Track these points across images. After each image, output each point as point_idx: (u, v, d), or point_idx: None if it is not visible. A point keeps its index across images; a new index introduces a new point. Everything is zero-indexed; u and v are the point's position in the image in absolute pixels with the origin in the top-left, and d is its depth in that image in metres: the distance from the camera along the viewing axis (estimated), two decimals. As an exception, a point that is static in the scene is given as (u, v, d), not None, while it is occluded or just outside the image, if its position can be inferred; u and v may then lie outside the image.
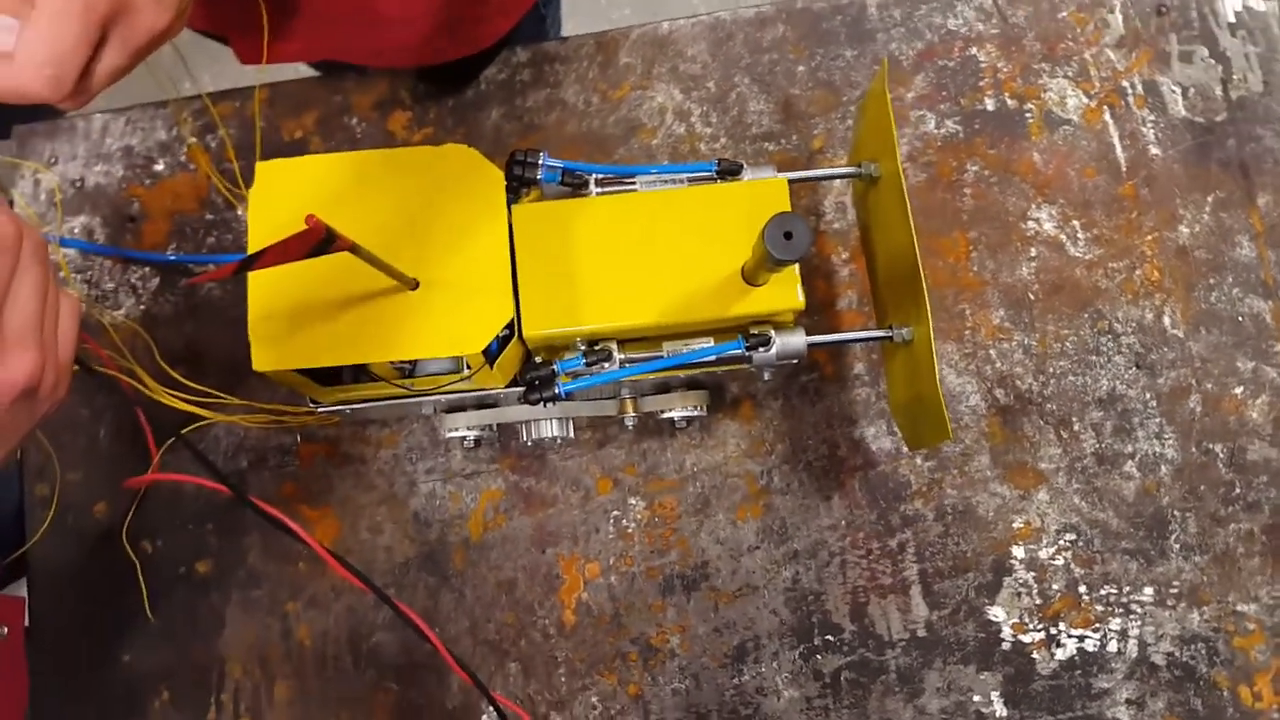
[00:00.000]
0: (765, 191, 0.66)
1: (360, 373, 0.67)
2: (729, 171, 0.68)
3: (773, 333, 0.66)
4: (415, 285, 0.61)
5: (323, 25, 0.75)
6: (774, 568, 0.77)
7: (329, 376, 0.67)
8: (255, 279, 0.61)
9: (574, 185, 0.68)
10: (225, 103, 0.85)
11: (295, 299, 0.60)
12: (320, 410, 0.70)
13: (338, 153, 0.63)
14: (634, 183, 0.69)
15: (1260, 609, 0.76)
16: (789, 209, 0.64)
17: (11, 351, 0.46)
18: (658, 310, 0.64)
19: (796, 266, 0.63)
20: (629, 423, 0.74)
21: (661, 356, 0.66)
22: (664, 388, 0.75)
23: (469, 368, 0.65)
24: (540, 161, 0.67)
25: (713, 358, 0.67)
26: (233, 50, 0.77)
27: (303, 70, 0.88)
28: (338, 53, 0.80)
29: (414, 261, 0.60)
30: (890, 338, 0.68)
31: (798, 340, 0.66)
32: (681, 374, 0.72)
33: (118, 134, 0.85)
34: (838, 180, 0.81)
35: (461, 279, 0.61)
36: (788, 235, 0.54)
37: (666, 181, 0.69)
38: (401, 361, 0.66)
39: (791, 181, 0.68)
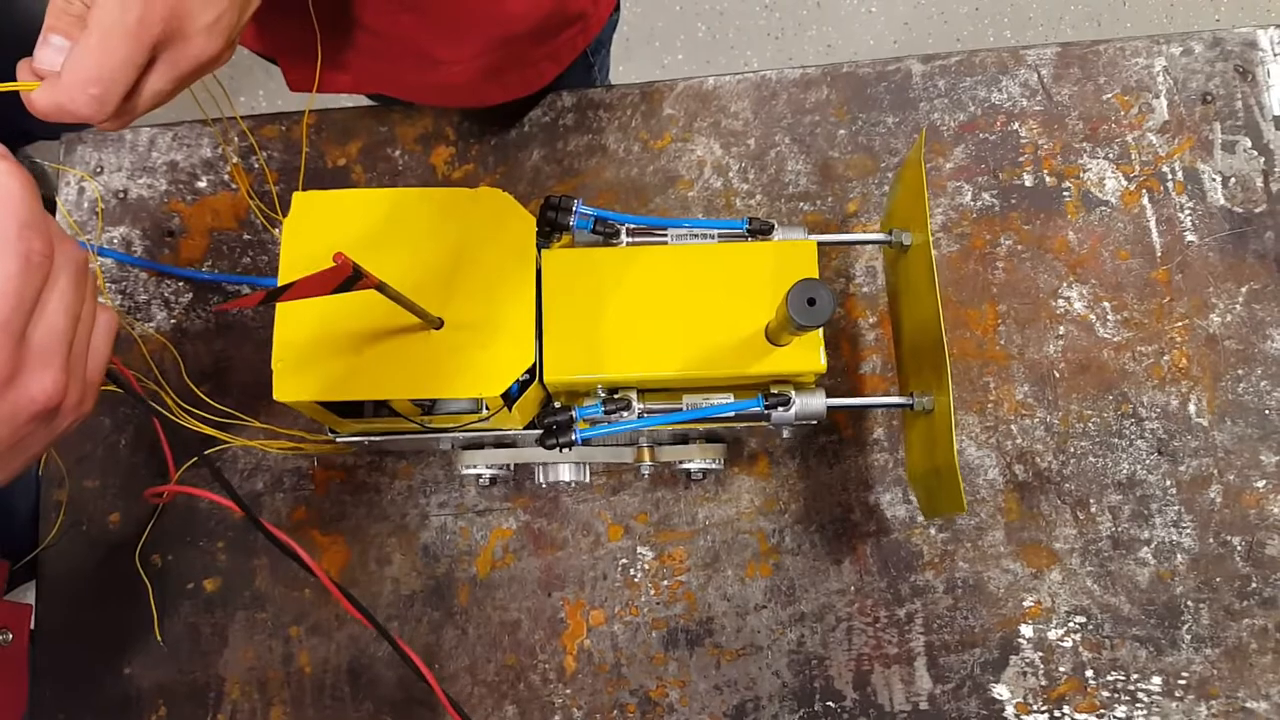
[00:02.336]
0: (794, 253, 0.66)
1: (380, 406, 0.67)
2: (760, 231, 0.68)
3: (793, 393, 0.66)
4: (440, 325, 0.61)
5: (373, 60, 0.76)
6: (779, 628, 0.77)
7: (349, 408, 0.67)
8: (283, 309, 0.61)
9: (605, 234, 0.68)
10: (272, 125, 0.86)
11: (320, 331, 0.61)
12: (339, 440, 0.70)
13: (373, 189, 0.64)
14: (665, 235, 0.69)
15: (1270, 708, 0.75)
16: (816, 272, 0.65)
17: (33, 369, 0.45)
18: (680, 363, 0.64)
19: (820, 330, 0.63)
20: (645, 471, 0.74)
21: (680, 409, 0.66)
22: (682, 439, 0.75)
23: (488, 408, 0.65)
24: (574, 208, 0.68)
25: (731, 414, 0.67)
26: (283, 75, 0.78)
27: (351, 99, 0.89)
28: (386, 88, 0.81)
29: (440, 301, 0.61)
30: (911, 406, 0.68)
31: (817, 402, 0.66)
32: (700, 426, 0.72)
33: (164, 148, 0.86)
34: (868, 246, 0.81)
35: (486, 321, 0.62)
36: (811, 301, 0.54)
37: (697, 236, 0.69)
38: (421, 399, 0.67)
39: (822, 244, 0.68)
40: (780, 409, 0.66)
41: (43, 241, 0.44)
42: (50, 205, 0.85)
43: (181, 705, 0.76)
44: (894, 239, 0.70)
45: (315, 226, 0.63)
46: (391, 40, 0.74)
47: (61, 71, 0.47)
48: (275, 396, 0.60)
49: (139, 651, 0.77)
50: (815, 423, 0.67)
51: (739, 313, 0.65)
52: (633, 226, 0.69)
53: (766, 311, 0.64)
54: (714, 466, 0.74)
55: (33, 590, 0.79)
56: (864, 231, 0.83)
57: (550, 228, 0.67)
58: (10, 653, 0.67)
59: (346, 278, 0.48)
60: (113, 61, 0.47)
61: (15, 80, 0.50)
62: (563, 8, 0.78)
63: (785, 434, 0.71)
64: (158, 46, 0.48)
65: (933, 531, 0.78)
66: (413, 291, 0.56)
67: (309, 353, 0.61)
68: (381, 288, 0.52)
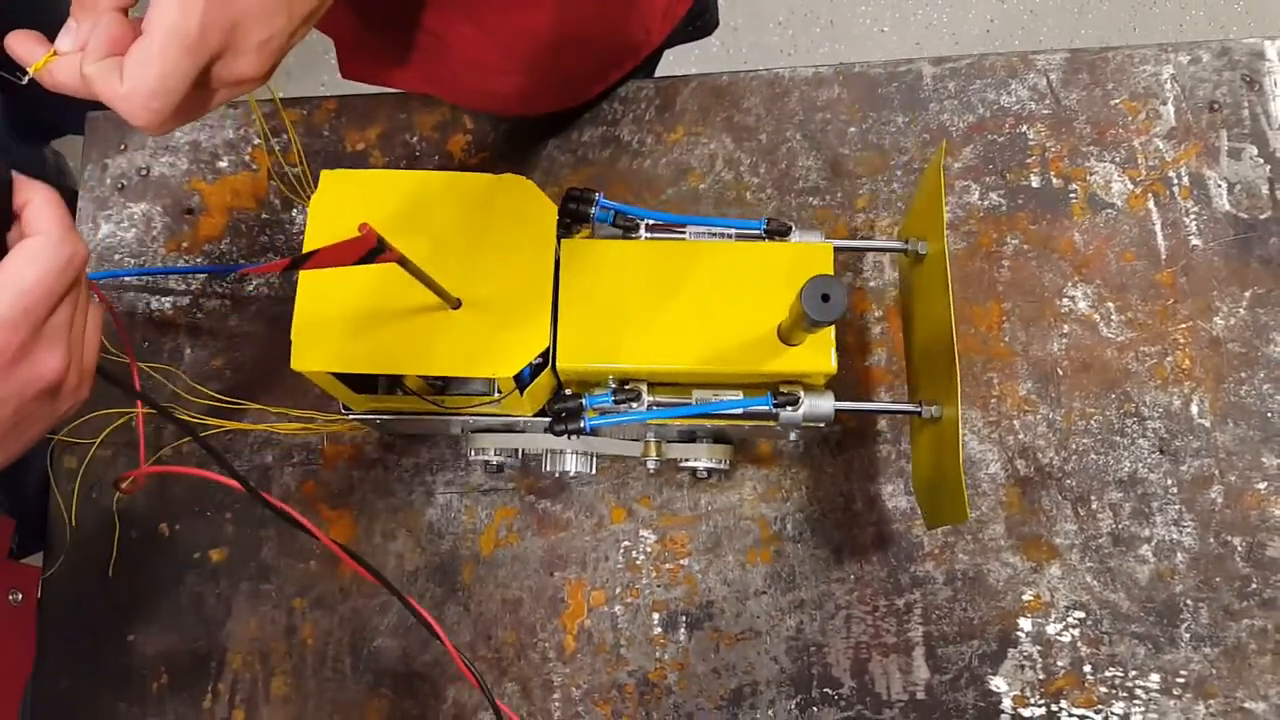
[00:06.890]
0: (810, 255, 0.67)
1: (394, 384, 0.68)
2: (777, 231, 0.69)
3: (802, 393, 0.66)
4: (458, 305, 0.62)
5: (428, 61, 0.77)
6: (779, 615, 0.77)
7: (363, 384, 0.68)
8: (306, 281, 0.62)
9: (625, 227, 0.69)
10: (294, 109, 0.88)
11: (341, 305, 0.62)
12: (351, 417, 0.71)
13: (400, 170, 0.64)
14: (684, 231, 0.70)
15: (1269, 709, 0.75)
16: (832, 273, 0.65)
17: (43, 349, 0.48)
18: (691, 357, 0.64)
19: (831, 331, 0.63)
20: (650, 465, 0.75)
21: (690, 404, 0.67)
22: (690, 436, 0.75)
23: (499, 392, 0.66)
24: (596, 200, 0.69)
25: (739, 411, 0.67)
26: (338, 63, 0.78)
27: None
28: (437, 89, 0.82)
29: (459, 282, 0.61)
30: (920, 413, 0.68)
31: (826, 404, 0.66)
32: (708, 423, 0.72)
33: (187, 129, 0.88)
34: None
35: (503, 304, 0.62)
36: (825, 297, 0.54)
37: (715, 234, 0.70)
38: (435, 378, 0.68)
39: (838, 250, 0.69)
40: (789, 409, 0.66)
41: (83, 247, 0.48)
42: (73, 196, 0.86)
43: (184, 673, 0.77)
44: (910, 247, 0.70)
45: (341, 204, 0.64)
46: (447, 44, 0.75)
47: (123, 78, 0.46)
48: (293, 365, 0.61)
49: (143, 618, 0.78)
50: (822, 425, 0.68)
51: (752, 311, 0.65)
52: (652, 222, 0.70)
53: (780, 311, 0.64)
54: (720, 466, 0.75)
55: (40, 557, 0.80)
56: (877, 232, 0.84)
57: (571, 219, 0.68)
58: (19, 612, 0.68)
59: (370, 249, 0.49)
60: (175, 74, 0.46)
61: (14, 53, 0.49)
62: (620, 40, 0.80)
63: (792, 437, 0.71)
64: (213, 59, 0.47)
65: (934, 523, 0.79)
66: (433, 271, 0.57)
67: (329, 325, 0.61)
68: (403, 262, 0.53)
